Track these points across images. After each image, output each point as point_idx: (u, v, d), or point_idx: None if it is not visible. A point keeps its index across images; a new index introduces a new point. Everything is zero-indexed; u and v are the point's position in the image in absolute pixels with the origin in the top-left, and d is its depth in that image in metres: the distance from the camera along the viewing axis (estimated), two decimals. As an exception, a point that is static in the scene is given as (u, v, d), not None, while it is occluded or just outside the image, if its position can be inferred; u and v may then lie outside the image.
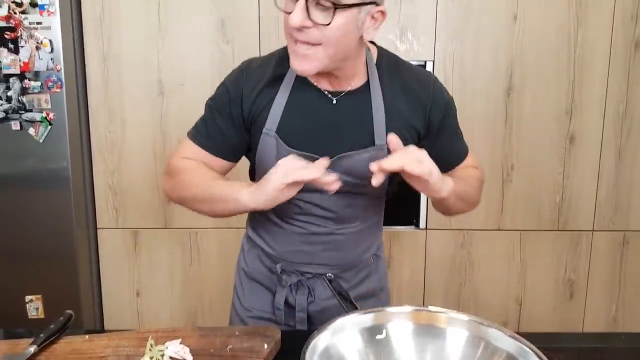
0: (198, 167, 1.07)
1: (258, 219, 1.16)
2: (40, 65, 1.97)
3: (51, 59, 1.97)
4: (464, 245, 2.28)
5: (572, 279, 2.32)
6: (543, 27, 2.12)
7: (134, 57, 2.12)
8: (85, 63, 2.12)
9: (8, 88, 1.99)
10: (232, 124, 1.06)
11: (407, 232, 2.27)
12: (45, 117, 2.01)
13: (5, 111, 2.01)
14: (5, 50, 1.96)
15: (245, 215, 1.22)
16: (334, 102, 1.03)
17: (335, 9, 0.87)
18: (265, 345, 0.91)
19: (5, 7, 1.93)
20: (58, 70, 1.98)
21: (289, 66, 0.98)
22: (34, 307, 2.14)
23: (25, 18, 1.94)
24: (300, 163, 0.92)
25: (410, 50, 2.13)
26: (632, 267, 2.32)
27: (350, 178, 1.03)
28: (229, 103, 1.05)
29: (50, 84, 1.99)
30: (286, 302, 1.14)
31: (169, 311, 2.31)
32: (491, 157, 2.21)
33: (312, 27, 0.90)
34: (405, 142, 1.02)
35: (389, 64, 1.06)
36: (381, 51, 1.07)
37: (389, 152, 0.99)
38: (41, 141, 2.03)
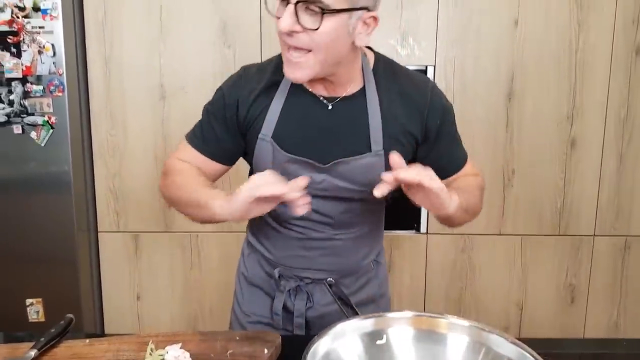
0: (190, 170, 1.07)
1: (257, 223, 1.16)
2: (42, 69, 1.98)
3: (53, 63, 1.98)
4: (465, 250, 2.28)
5: (573, 284, 2.31)
6: (544, 32, 2.12)
7: (136, 62, 2.13)
8: (87, 67, 2.13)
9: (10, 92, 2.00)
10: (227, 128, 1.07)
11: (408, 236, 2.27)
12: (47, 121, 2.02)
13: (8, 115, 2.01)
14: (8, 54, 1.97)
15: (247, 220, 1.22)
16: (330, 107, 1.03)
17: (323, 13, 0.88)
18: (266, 350, 0.91)
19: (8, 11, 1.94)
20: (60, 74, 1.99)
21: None
22: (35, 310, 2.14)
23: (28, 22, 1.95)
24: (273, 178, 0.89)
25: (411, 55, 2.14)
26: (634, 272, 2.31)
27: (346, 184, 1.03)
28: (224, 108, 1.06)
29: (52, 87, 2.00)
30: (285, 308, 1.13)
31: (170, 315, 2.31)
32: (492, 162, 2.21)
33: (302, 32, 0.90)
34: (403, 148, 1.02)
35: (385, 70, 1.05)
36: (378, 56, 1.07)
37: (386, 158, 0.99)
38: (43, 145, 2.03)
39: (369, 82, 1.03)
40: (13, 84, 1.99)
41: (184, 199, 1.03)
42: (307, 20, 0.89)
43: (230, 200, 0.92)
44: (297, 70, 0.94)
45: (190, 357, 0.89)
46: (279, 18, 0.92)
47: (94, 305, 2.26)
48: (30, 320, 2.14)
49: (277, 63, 1.04)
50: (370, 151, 1.02)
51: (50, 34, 1.96)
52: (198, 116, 1.12)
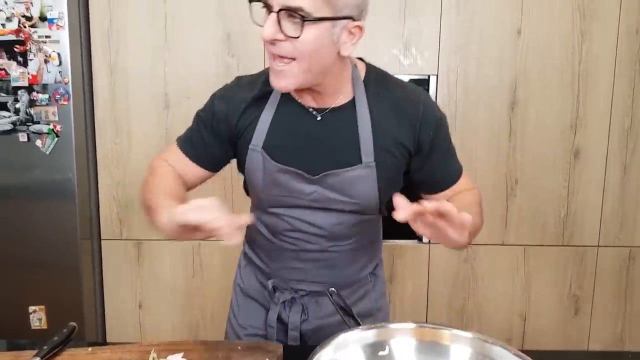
0: (167, 174, 1.08)
1: (253, 234, 1.15)
2: (48, 78, 2.00)
3: (59, 72, 2.00)
4: (467, 260, 2.27)
5: (577, 294, 2.30)
6: (547, 41, 2.13)
7: (141, 70, 2.14)
8: (93, 76, 2.15)
9: (16, 100, 2.02)
10: (214, 135, 1.08)
11: (410, 246, 2.26)
12: (52, 129, 2.03)
13: (13, 123, 2.03)
14: (15, 63, 1.99)
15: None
16: (319, 118, 1.02)
17: (304, 21, 0.88)
18: (267, 360, 0.91)
19: (15, 21, 1.96)
20: (66, 83, 2.01)
21: None
22: (37, 317, 2.14)
23: (35, 32, 1.97)
24: (205, 204, 0.82)
25: (413, 64, 2.15)
26: (639, 283, 2.29)
27: (337, 195, 1.02)
28: (212, 115, 1.08)
29: (57, 96, 2.01)
30: (280, 320, 1.12)
31: (171, 323, 2.31)
32: (495, 172, 2.20)
33: (284, 40, 0.90)
34: (395, 160, 1.02)
35: (377, 81, 1.04)
36: (370, 68, 1.06)
37: (377, 170, 0.99)
38: (48, 153, 2.04)
39: (360, 93, 1.02)
40: (19, 92, 2.01)
41: (147, 202, 1.04)
42: (289, 28, 0.89)
43: (167, 218, 0.88)
44: (282, 79, 0.94)
45: (192, 366, 0.89)
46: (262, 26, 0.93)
47: (96, 313, 2.26)
48: (32, 328, 2.14)
49: (268, 74, 1.05)
50: (361, 163, 1.01)
51: (57, 43, 1.98)
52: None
